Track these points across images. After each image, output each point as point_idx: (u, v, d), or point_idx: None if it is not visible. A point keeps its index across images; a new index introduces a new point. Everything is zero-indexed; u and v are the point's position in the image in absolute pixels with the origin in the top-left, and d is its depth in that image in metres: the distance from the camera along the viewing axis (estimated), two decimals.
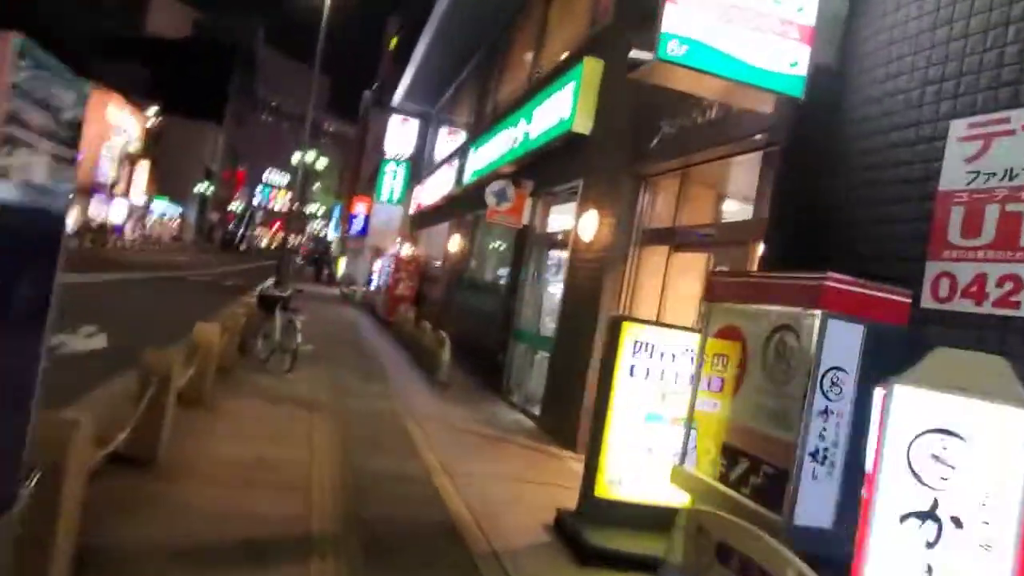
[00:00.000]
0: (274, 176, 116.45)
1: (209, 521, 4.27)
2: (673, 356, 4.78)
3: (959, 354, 2.91)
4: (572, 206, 9.96)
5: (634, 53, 4.62)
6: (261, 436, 6.32)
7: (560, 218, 10.61)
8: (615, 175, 8.01)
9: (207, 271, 32.45)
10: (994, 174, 3.42)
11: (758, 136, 5.43)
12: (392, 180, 27.99)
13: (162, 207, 68.38)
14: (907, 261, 3.71)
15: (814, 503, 3.55)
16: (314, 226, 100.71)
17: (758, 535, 2.87)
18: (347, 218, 42.03)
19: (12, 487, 2.48)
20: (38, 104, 2.04)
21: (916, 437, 2.60)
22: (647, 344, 4.75)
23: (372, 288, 25.54)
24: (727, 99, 5.33)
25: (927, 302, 3.58)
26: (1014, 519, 2.45)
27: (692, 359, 4.78)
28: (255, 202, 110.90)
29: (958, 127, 3.49)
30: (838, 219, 4.34)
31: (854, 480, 3.59)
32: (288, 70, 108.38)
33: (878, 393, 2.56)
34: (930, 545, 2.59)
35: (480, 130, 15.44)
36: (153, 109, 59.11)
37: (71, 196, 2.32)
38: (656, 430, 4.78)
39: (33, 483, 2.83)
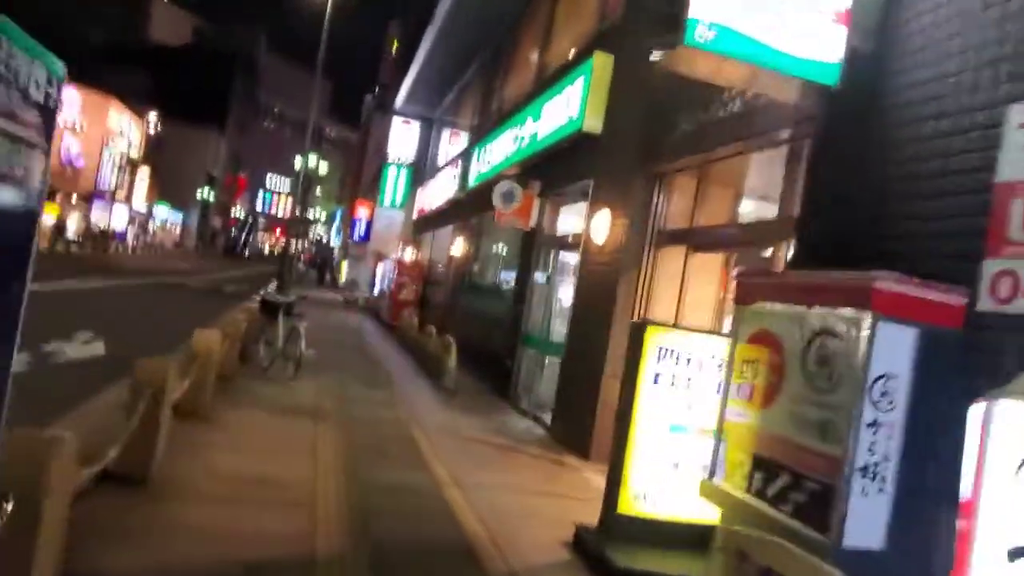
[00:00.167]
0: (276, 182, 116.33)
1: (206, 544, 3.98)
2: (700, 363, 4.49)
3: None
4: (582, 207, 9.68)
5: (656, 43, 4.34)
6: (263, 449, 6.03)
7: (569, 219, 10.33)
8: (628, 174, 7.73)
9: (208, 277, 32.20)
10: None
11: (786, 129, 5.15)
12: (394, 184, 27.74)
13: (164, 213, 68.21)
14: (960, 259, 3.41)
15: (863, 522, 3.26)
16: (316, 231, 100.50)
17: (815, 566, 2.58)
18: (349, 223, 41.79)
19: None
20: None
21: None
22: (672, 350, 4.46)
23: (375, 293, 25.27)
24: (755, 88, 5.04)
25: (985, 303, 3.28)
26: None
27: (720, 366, 4.49)
28: (257, 208, 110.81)
29: (1019, 112, 3.19)
30: (878, 215, 4.05)
31: (907, 498, 3.30)
32: (290, 76, 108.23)
33: (976, 408, 2.25)
34: None
35: (485, 132, 15.16)
36: (153, 115, 58.93)
37: (42, 191, 2.03)
38: (682, 442, 4.49)
39: (7, 508, 2.55)
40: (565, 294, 9.99)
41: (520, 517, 5.38)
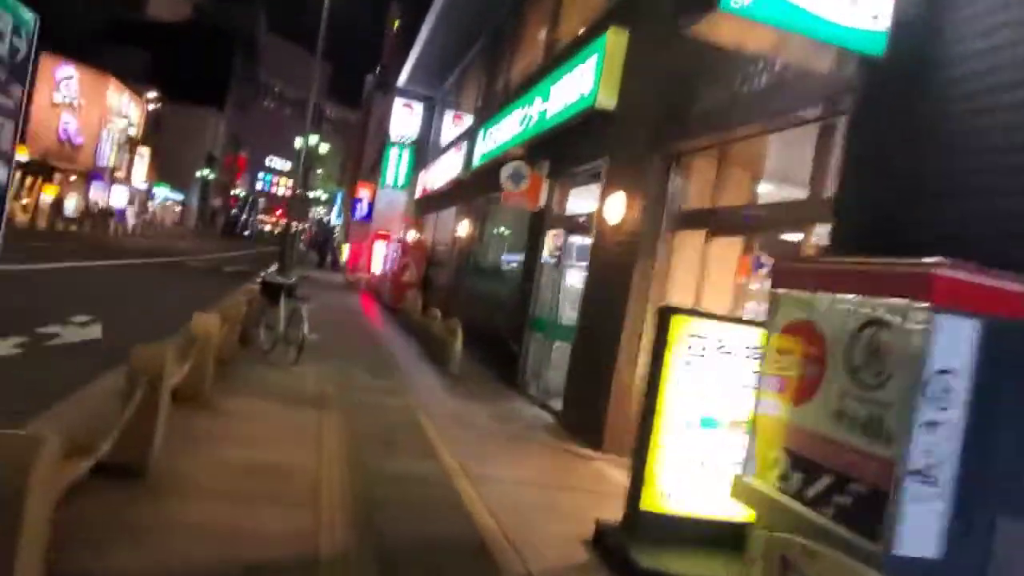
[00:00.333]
0: (276, 162, 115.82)
1: (206, 543, 3.73)
2: (731, 353, 4.22)
3: None
4: (592, 188, 9.40)
5: (688, 8, 4.04)
6: (265, 438, 5.78)
7: (579, 200, 10.04)
8: (643, 153, 7.43)
9: (208, 257, 31.91)
10: None
11: (820, 104, 4.84)
12: (397, 164, 27.38)
13: (163, 193, 67.81)
14: None
15: (917, 530, 3.00)
16: (317, 211, 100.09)
17: None
18: (350, 204, 41.44)
19: None
20: None
21: None
22: (701, 339, 4.19)
23: (377, 274, 24.97)
24: (788, 58, 4.74)
25: None
26: None
27: (753, 356, 4.23)
28: (257, 188, 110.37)
29: None
30: (928, 195, 3.77)
31: (965, 503, 3.05)
32: (290, 55, 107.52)
33: None
34: None
35: (490, 111, 14.82)
36: (152, 94, 58.35)
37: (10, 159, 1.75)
38: (711, 436, 4.23)
39: None
40: (575, 277, 9.73)
41: (534, 511, 5.14)
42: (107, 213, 45.17)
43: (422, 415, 7.56)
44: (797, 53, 4.56)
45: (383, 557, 3.94)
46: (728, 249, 6.85)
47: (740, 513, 4.15)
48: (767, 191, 6.88)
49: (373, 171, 35.87)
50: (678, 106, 6.88)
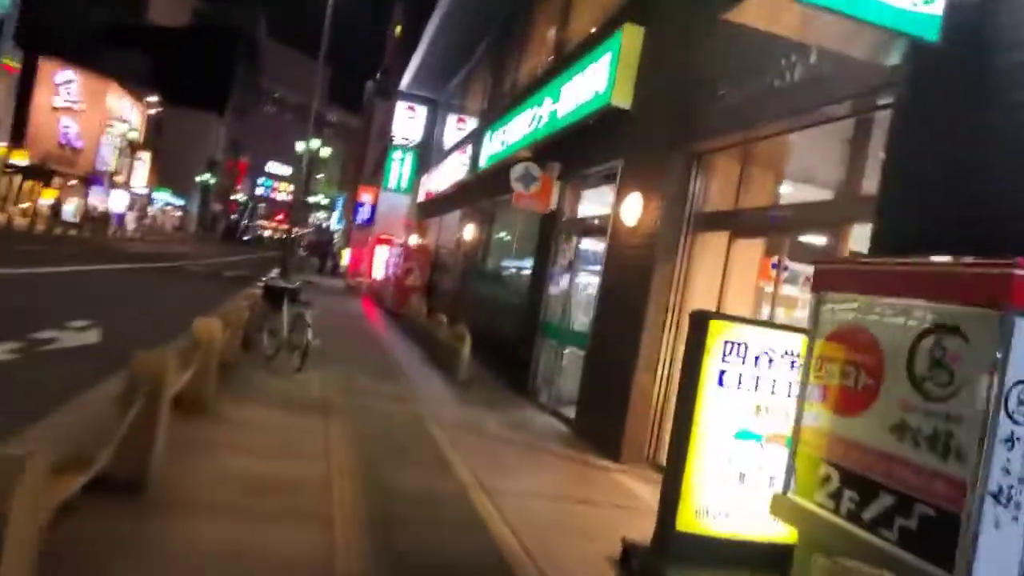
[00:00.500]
0: (276, 167, 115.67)
1: (209, 567, 3.45)
2: (770, 360, 3.95)
3: None
4: (605, 190, 9.15)
5: None
6: (271, 449, 5.50)
7: (591, 203, 9.77)
8: (661, 153, 7.17)
9: (208, 262, 31.63)
10: None
11: (861, 98, 4.58)
12: (400, 168, 27.13)
13: (164, 198, 67.60)
14: None
15: (996, 557, 2.73)
16: (318, 216, 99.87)
17: None
18: (352, 208, 41.18)
19: None
20: None
21: None
22: (740, 346, 3.92)
23: (379, 279, 24.70)
24: (832, 46, 4.48)
25: None
26: None
27: (794, 364, 3.96)
28: (258, 193, 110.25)
29: None
30: (985, 191, 3.50)
31: None
32: (290, 61, 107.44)
33: None
34: None
35: (497, 113, 14.57)
36: (153, 98, 58.17)
37: None
38: (749, 450, 3.96)
39: None
40: (587, 281, 9.46)
41: (556, 528, 4.86)
42: (105, 217, 44.92)
43: (432, 424, 7.29)
44: (837, 41, 4.31)
45: None
46: (750, 252, 6.60)
47: (781, 532, 3.88)
48: (792, 192, 6.61)
49: (375, 175, 35.63)
50: (699, 104, 6.63)
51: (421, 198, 23.50)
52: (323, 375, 8.68)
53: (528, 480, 6.02)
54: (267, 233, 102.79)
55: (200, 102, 69.31)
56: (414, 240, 22.21)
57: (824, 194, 5.81)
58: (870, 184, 4.87)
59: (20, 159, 40.32)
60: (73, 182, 44.90)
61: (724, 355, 3.93)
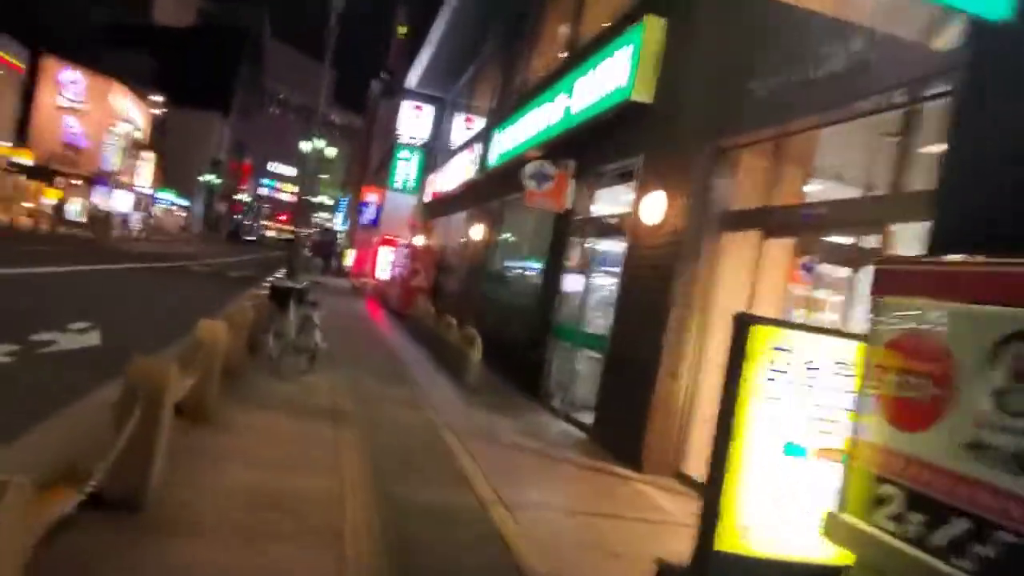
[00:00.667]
0: (280, 168, 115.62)
1: None
2: (820, 369, 3.65)
3: None
4: (621, 188, 8.86)
5: None
6: (278, 459, 5.21)
7: (608, 201, 9.47)
8: (685, 150, 6.87)
9: (212, 262, 31.38)
10: None
11: (914, 86, 4.27)
12: (406, 167, 26.85)
13: (168, 198, 67.45)
14: None
15: None
16: (322, 216, 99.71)
17: None
18: (356, 208, 40.92)
19: None
20: None
21: None
22: (786, 353, 3.61)
23: (385, 279, 24.43)
24: (883, 25, 4.18)
25: None
26: None
27: (847, 374, 3.65)
28: (262, 194, 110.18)
29: None
30: None
31: None
32: (294, 61, 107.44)
33: None
34: None
35: (507, 110, 14.27)
36: (158, 98, 58.00)
37: None
38: (797, 465, 3.65)
39: None
40: (603, 282, 9.16)
41: (582, 547, 4.56)
42: (109, 218, 44.71)
43: (445, 431, 7.00)
44: (885, 21, 4.01)
45: None
46: (778, 253, 6.30)
47: (831, 554, 3.58)
48: (827, 189, 6.31)
49: (379, 176, 35.38)
50: (725, 98, 6.34)
51: (427, 198, 23.21)
52: (331, 379, 8.40)
53: (548, 493, 5.73)
54: (271, 233, 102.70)
55: (204, 102, 69.18)
56: (420, 240, 21.94)
57: (862, 192, 5.50)
58: (917, 180, 4.58)
59: (24, 159, 40.15)
60: (77, 182, 44.71)
61: (770, 363, 3.62)
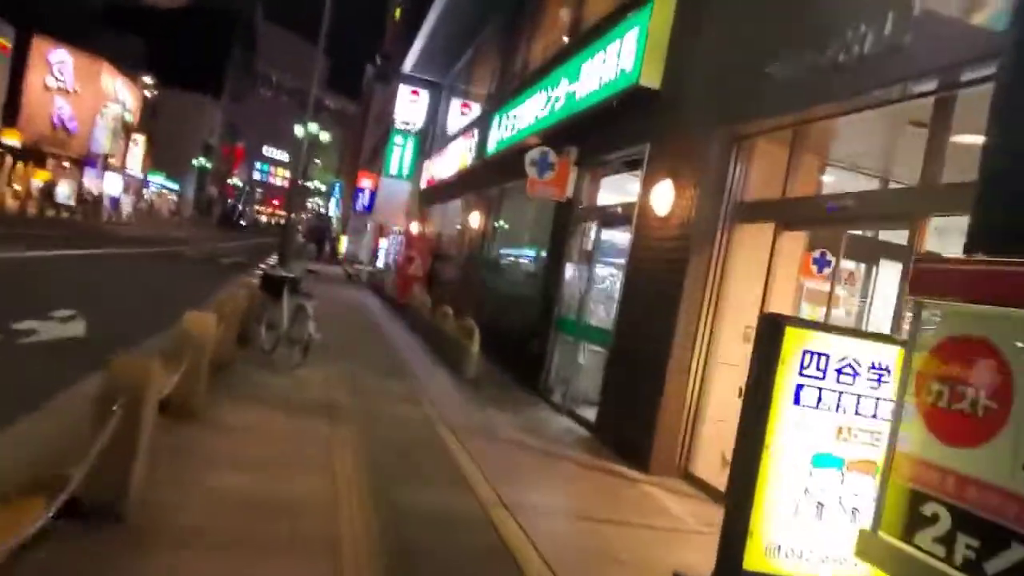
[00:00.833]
0: (273, 152, 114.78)
1: None
2: (855, 374, 3.39)
3: None
4: (627, 176, 8.59)
5: None
6: (269, 459, 4.94)
7: (612, 190, 9.20)
8: (696, 137, 6.59)
9: (204, 247, 30.99)
10: None
11: (951, 69, 4.00)
12: (401, 153, 26.46)
13: (159, 181, 66.73)
14: None
15: None
16: (315, 202, 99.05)
17: None
18: (350, 194, 40.50)
19: None
20: None
21: None
22: (819, 358, 3.36)
23: (379, 267, 24.13)
24: (922, 3, 3.90)
25: None
26: None
27: (885, 381, 3.40)
28: (254, 178, 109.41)
29: None
30: None
31: None
32: (287, 44, 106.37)
33: None
34: None
35: (506, 96, 13.94)
36: (148, 79, 57.19)
37: None
38: (829, 478, 3.40)
39: None
40: (607, 273, 8.90)
41: (593, 557, 4.31)
42: (99, 201, 44.15)
43: (443, 427, 6.73)
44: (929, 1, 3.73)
45: None
46: (792, 246, 6.04)
47: (865, 573, 3.33)
48: (850, 180, 6.05)
49: (373, 162, 34.96)
50: (740, 83, 6.05)
51: (423, 185, 22.86)
52: (325, 372, 8.13)
53: (552, 495, 5.48)
54: (264, 219, 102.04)
55: (196, 85, 68.32)
56: (415, 228, 21.62)
57: (880, 184, 5.24)
58: (951, 173, 4.32)
59: (12, 140, 39.51)
60: (67, 164, 44.06)
61: (802, 367, 3.36)
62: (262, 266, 13.07)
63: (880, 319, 7.42)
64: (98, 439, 3.34)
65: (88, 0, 54.14)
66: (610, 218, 8.59)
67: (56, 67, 43.49)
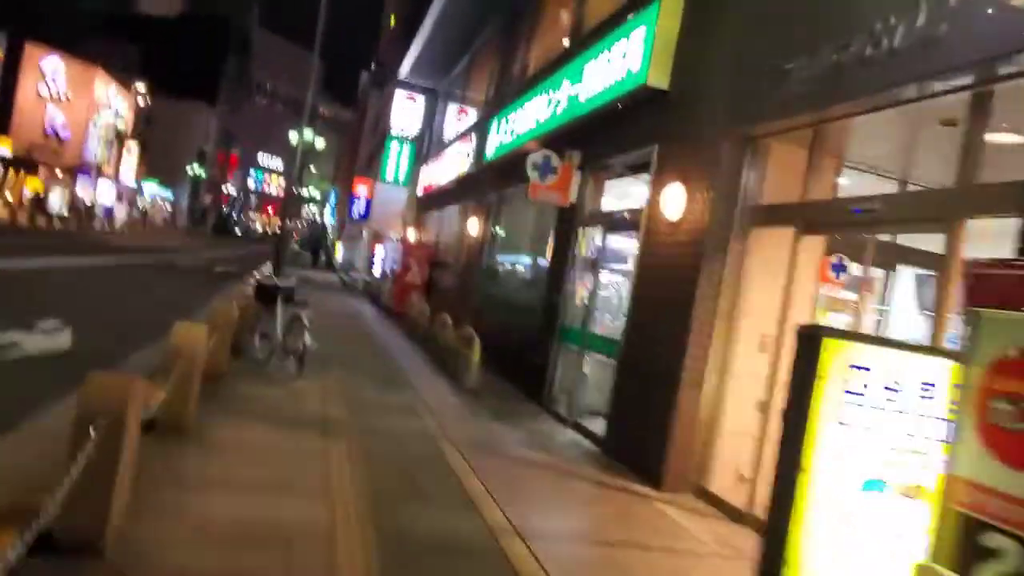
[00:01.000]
0: (268, 160, 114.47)
1: None
2: (903, 391, 3.11)
3: None
4: (633, 180, 8.32)
5: None
6: (262, 481, 4.64)
7: (617, 194, 8.93)
8: (708, 139, 6.32)
9: (197, 256, 30.66)
10: None
11: (992, 62, 3.73)
12: (397, 160, 26.18)
13: (152, 189, 66.32)
14: None
15: None
16: (310, 209, 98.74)
17: None
18: (346, 201, 40.19)
19: None
20: None
21: None
22: (864, 372, 3.08)
23: (376, 275, 23.82)
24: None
25: None
26: None
27: (935, 396, 3.12)
28: (249, 186, 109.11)
29: None
30: None
31: None
32: (282, 52, 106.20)
33: None
34: None
35: (505, 100, 13.67)
36: (141, 85, 56.84)
37: None
38: (877, 505, 3.11)
39: None
40: (612, 280, 8.63)
41: None
42: (91, 210, 43.77)
43: (445, 443, 6.43)
44: None
45: None
46: (810, 251, 5.76)
47: None
48: (875, 182, 5.79)
49: (369, 169, 34.67)
50: (755, 81, 5.78)
51: (420, 191, 22.58)
52: (321, 383, 7.83)
53: (564, 517, 5.19)
54: (258, 227, 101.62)
55: (191, 92, 68.01)
56: (413, 235, 21.33)
57: (918, 184, 4.98)
58: (991, 172, 4.05)
59: (3, 148, 39.14)
60: (60, 173, 43.65)
61: (844, 384, 3.08)
62: (256, 275, 12.75)
63: (901, 326, 7.17)
64: (74, 466, 3.05)
65: (83, 8, 53.87)
66: (617, 223, 8.31)
67: (49, 74, 43.14)
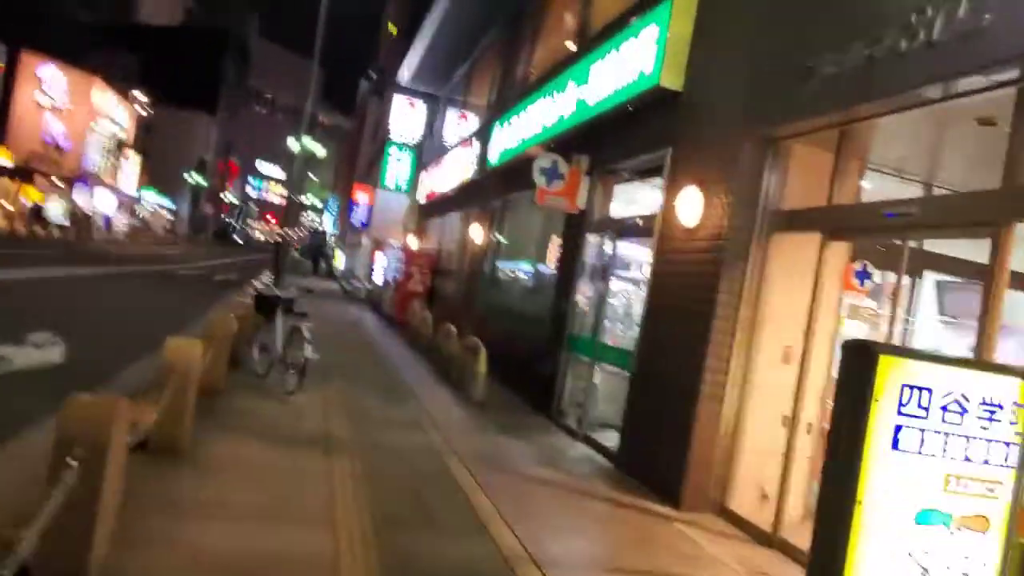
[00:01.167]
0: (268, 168, 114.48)
1: None
2: (963, 411, 2.83)
3: None
4: (645, 185, 8.06)
5: None
6: (261, 508, 4.34)
7: (627, 200, 8.66)
8: (725, 141, 6.06)
9: (197, 264, 30.39)
10: None
11: None
12: (397, 166, 25.93)
13: (152, 199, 66.14)
14: None
15: None
16: (310, 217, 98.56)
17: None
18: (346, 209, 39.96)
19: None
20: None
21: None
22: (921, 393, 2.80)
23: (378, 283, 23.56)
24: None
25: None
26: None
27: (995, 417, 2.84)
28: (248, 194, 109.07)
29: None
30: None
31: None
32: (281, 61, 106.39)
33: None
34: None
35: (508, 104, 13.42)
36: (139, 94, 56.70)
37: None
38: (936, 537, 2.83)
39: None
40: (623, 289, 8.36)
41: None
42: (90, 219, 43.54)
43: (453, 459, 6.15)
44: None
45: None
46: (834, 258, 5.49)
47: None
48: (905, 186, 5.53)
49: (369, 175, 34.44)
50: (775, 80, 5.53)
51: (421, 198, 22.31)
52: (322, 397, 7.55)
53: (581, 541, 4.89)
54: (259, 235, 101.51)
55: (191, 102, 67.95)
56: (414, 242, 21.07)
57: (944, 188, 4.71)
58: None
59: (2, 158, 38.92)
60: (59, 183, 43.41)
61: (900, 405, 2.80)
62: (256, 285, 12.48)
63: (926, 337, 6.89)
64: (51, 499, 2.77)
65: (81, 19, 53.75)
66: (628, 230, 8.04)
67: (46, 83, 42.93)
